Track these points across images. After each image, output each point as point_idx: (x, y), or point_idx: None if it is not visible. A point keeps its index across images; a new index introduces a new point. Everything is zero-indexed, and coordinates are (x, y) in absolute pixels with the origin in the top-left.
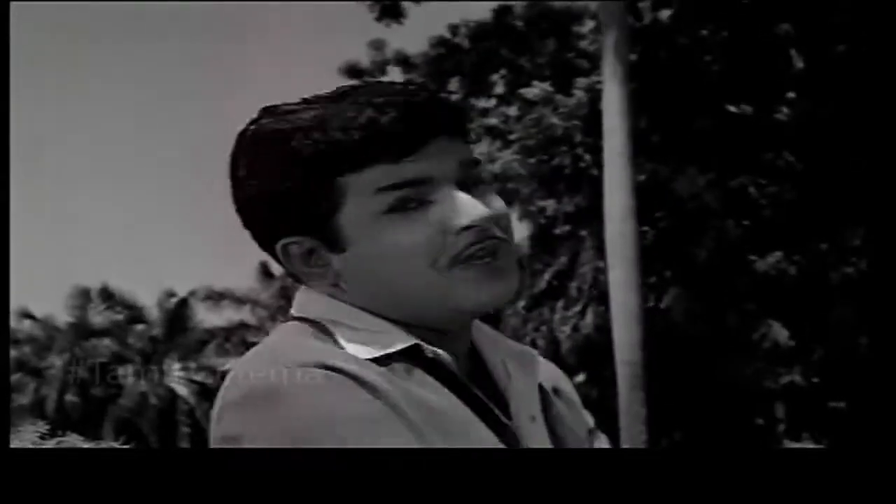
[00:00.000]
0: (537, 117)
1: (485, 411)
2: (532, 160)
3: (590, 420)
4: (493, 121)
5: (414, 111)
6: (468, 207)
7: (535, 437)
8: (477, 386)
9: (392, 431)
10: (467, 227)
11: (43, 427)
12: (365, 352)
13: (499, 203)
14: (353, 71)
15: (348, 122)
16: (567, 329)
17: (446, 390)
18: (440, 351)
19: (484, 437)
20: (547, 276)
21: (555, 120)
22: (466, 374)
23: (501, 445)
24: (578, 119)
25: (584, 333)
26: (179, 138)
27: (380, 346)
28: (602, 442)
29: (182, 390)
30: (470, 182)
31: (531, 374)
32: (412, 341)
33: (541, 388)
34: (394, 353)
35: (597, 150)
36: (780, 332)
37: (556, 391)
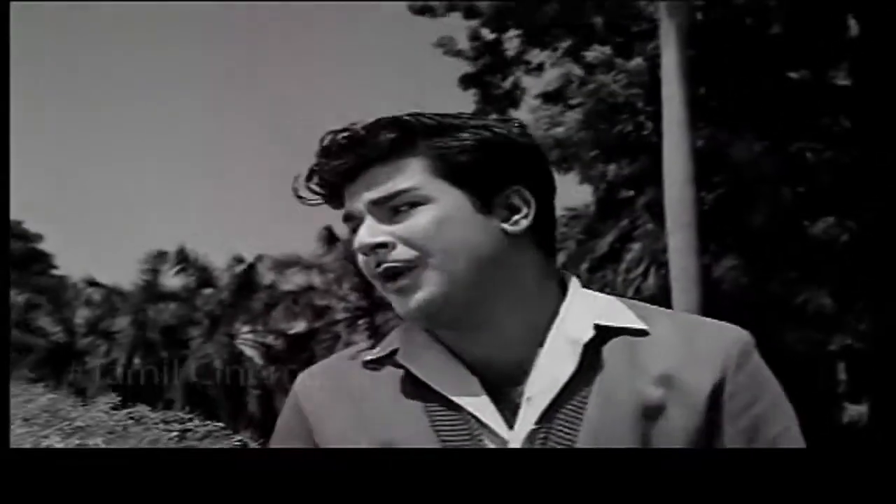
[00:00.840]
0: (597, 86)
1: (452, 406)
2: (592, 129)
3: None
4: (552, 85)
5: (335, 158)
6: (359, 237)
7: (525, 417)
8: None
9: (290, 434)
10: (362, 253)
11: (115, 399)
12: (371, 355)
13: (409, 225)
14: (423, 9)
15: (313, 173)
16: (630, 291)
17: (401, 391)
18: (400, 359)
19: (412, 433)
20: (609, 239)
21: (615, 87)
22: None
23: (431, 438)
24: (639, 87)
25: (646, 295)
26: (244, 113)
27: (378, 350)
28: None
29: (251, 352)
30: (385, 211)
31: (565, 357)
32: (394, 347)
33: (570, 393)
34: (383, 356)
35: (658, 118)
36: (827, 300)
37: (665, 379)
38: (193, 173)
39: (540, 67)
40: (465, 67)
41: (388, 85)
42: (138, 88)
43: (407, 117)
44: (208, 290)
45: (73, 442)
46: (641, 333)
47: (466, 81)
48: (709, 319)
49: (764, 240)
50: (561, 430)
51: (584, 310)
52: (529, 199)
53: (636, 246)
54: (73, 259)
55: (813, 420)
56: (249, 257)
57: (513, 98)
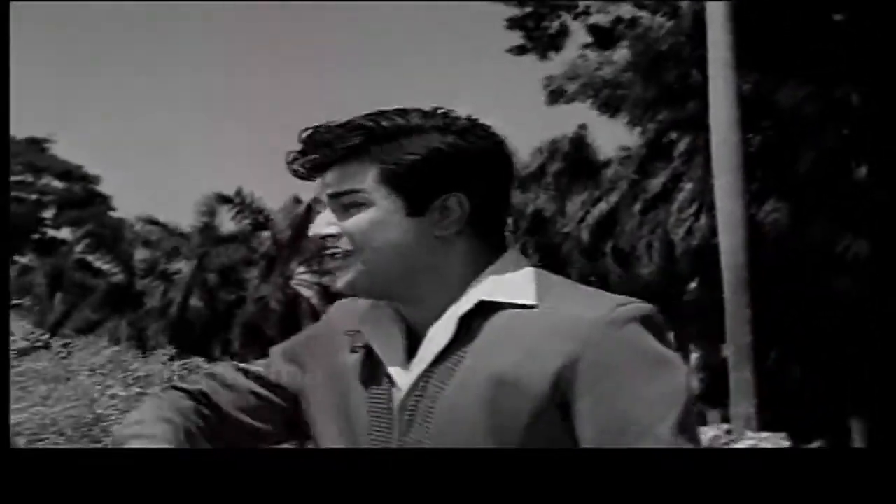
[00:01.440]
0: (643, 30)
1: (381, 375)
2: (640, 74)
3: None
4: (601, 22)
5: (306, 154)
6: (315, 225)
7: (409, 377)
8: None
9: (292, 341)
10: (314, 237)
11: (171, 350)
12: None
13: (350, 223)
14: None
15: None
16: (681, 231)
17: (358, 357)
18: (355, 331)
19: (350, 403)
20: (662, 179)
21: (662, 34)
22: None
23: (365, 412)
24: (685, 33)
25: (697, 236)
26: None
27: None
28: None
29: (307, 293)
30: (339, 205)
31: (446, 328)
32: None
33: (454, 346)
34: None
35: (704, 63)
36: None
37: (528, 350)
38: (248, 116)
39: (587, 12)
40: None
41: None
42: (190, 34)
43: (370, 122)
44: (266, 233)
45: (134, 390)
46: (528, 307)
47: (512, 23)
48: (611, 295)
49: (808, 183)
50: (432, 391)
51: (487, 286)
52: (465, 203)
53: (688, 186)
54: (129, 201)
55: (863, 367)
56: (306, 198)
57: (557, 43)
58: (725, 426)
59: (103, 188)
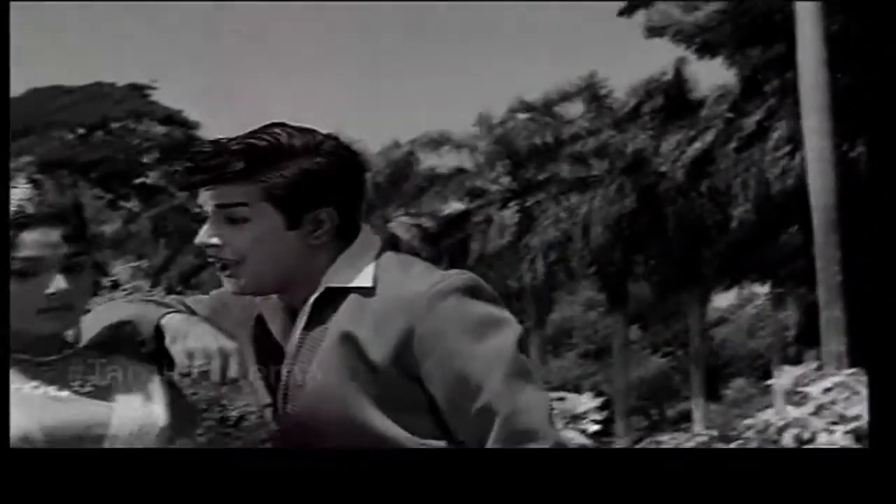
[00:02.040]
0: None
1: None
2: (730, 15)
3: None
4: None
5: (193, 173)
6: (200, 235)
7: (286, 355)
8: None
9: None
10: (200, 245)
11: None
12: None
13: (236, 238)
14: None
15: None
16: (776, 171)
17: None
18: (258, 301)
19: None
20: (756, 118)
21: None
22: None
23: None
24: None
25: (792, 175)
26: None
27: None
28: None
29: (405, 235)
30: (223, 217)
31: (305, 312)
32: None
33: (312, 327)
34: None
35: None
36: None
37: (371, 322)
38: (343, 59)
39: None
40: None
41: None
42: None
43: (249, 147)
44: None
45: None
46: (369, 290)
47: None
48: (440, 271)
49: None
50: (300, 366)
51: (334, 274)
52: (334, 215)
53: (782, 124)
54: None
55: None
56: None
57: None
58: (814, 364)
59: (203, 133)
